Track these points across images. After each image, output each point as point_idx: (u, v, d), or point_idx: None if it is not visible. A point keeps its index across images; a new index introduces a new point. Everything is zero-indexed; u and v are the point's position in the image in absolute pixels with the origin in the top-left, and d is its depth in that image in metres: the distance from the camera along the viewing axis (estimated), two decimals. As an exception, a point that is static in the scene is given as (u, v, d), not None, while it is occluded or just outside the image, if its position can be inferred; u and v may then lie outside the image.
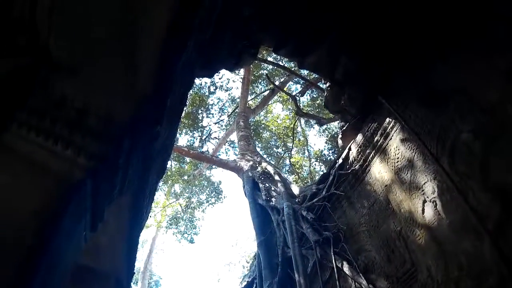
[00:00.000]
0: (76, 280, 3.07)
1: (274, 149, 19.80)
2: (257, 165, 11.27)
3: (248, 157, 12.07)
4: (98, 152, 2.54)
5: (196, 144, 18.06)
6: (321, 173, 18.08)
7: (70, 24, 2.61)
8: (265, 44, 5.90)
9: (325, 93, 6.50)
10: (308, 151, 19.29)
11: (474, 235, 3.59)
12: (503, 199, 3.36)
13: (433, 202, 4.23)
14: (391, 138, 5.20)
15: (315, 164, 18.65)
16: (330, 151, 16.53)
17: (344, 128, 6.47)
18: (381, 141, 5.44)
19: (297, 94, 15.52)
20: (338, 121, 15.16)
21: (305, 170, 19.42)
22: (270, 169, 10.76)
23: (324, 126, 16.84)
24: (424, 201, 4.37)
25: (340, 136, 6.81)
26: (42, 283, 1.95)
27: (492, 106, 3.55)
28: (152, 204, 4.93)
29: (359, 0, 4.80)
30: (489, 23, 3.73)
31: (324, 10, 4.99)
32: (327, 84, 6.33)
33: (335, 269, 5.72)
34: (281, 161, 19.25)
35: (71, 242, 2.43)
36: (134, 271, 4.97)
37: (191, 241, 19.34)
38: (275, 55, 12.64)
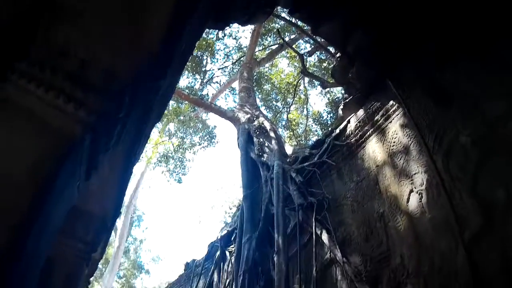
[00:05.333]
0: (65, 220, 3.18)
1: (274, 102, 19.72)
2: (254, 119, 11.27)
3: (247, 109, 12.05)
4: (99, 108, 2.51)
5: (197, 86, 17.91)
6: (317, 133, 18.23)
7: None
8: (281, 5, 5.74)
9: (334, 63, 6.43)
10: (307, 110, 19.26)
11: (452, 238, 3.69)
12: (486, 213, 3.43)
13: (419, 194, 4.32)
14: (391, 121, 5.21)
15: (311, 124, 18.68)
16: (329, 115, 16.52)
17: (347, 100, 6.44)
18: (381, 121, 5.45)
19: (305, 54, 15.24)
20: (342, 88, 15.07)
21: (301, 127, 19.47)
22: (267, 124, 10.76)
23: (327, 89, 16.70)
24: (411, 191, 4.46)
25: (341, 106, 6.78)
26: (35, 243, 2.00)
27: (495, 119, 3.56)
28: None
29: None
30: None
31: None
32: (338, 55, 6.23)
33: (314, 236, 5.89)
34: (278, 115, 19.24)
35: (65, 195, 2.46)
36: (120, 211, 5.13)
37: (179, 181, 19.63)
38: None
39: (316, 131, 18.03)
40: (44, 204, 2.03)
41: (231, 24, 5.53)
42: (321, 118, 17.72)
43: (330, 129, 10.57)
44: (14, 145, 2.08)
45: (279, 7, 12.22)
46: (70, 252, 3.97)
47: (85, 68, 2.46)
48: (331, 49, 11.58)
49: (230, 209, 21.76)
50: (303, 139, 18.19)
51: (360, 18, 5.16)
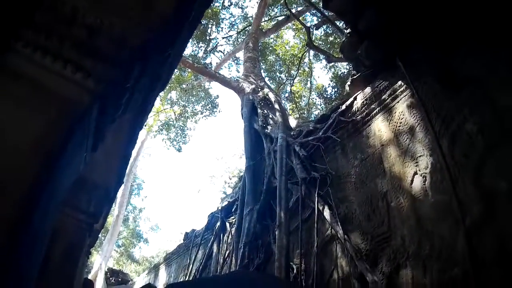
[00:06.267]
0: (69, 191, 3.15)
1: (277, 73, 19.54)
2: (259, 90, 11.15)
3: (252, 80, 11.91)
4: (108, 77, 2.43)
5: (200, 54, 17.67)
6: (320, 107, 18.14)
7: None
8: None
9: (344, 39, 6.28)
10: (310, 83, 19.10)
11: (453, 223, 3.68)
12: (487, 202, 3.41)
13: (423, 177, 4.29)
14: (398, 101, 5.14)
15: (315, 98, 18.56)
16: (333, 90, 16.37)
17: (355, 77, 6.34)
18: (388, 100, 5.38)
19: (312, 26, 14.97)
20: (347, 63, 14.86)
21: (304, 100, 19.37)
22: (272, 96, 10.65)
23: (332, 64, 16.49)
24: (415, 173, 4.43)
25: (348, 83, 6.69)
26: (42, 216, 1.96)
27: (503, 108, 3.50)
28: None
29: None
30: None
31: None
32: (348, 31, 6.08)
33: (316, 211, 5.90)
34: (281, 87, 19.10)
35: (72, 167, 2.42)
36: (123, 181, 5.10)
37: (179, 150, 19.69)
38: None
39: (320, 105, 17.93)
40: (51, 177, 1.99)
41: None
42: (325, 92, 17.57)
43: (334, 104, 10.46)
44: (20, 116, 2.01)
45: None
46: (72, 223, 3.97)
47: (94, 36, 2.37)
48: (339, 24, 11.36)
49: (230, 179, 21.89)
50: (305, 112, 18.12)
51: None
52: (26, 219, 1.87)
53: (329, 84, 17.53)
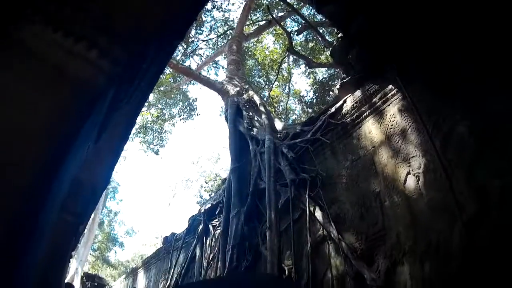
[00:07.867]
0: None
1: (256, 78, 19.56)
2: (244, 92, 11.13)
3: (236, 82, 11.89)
4: (124, 58, 2.29)
5: (179, 57, 17.48)
6: (297, 112, 18.27)
7: None
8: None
9: (335, 43, 6.34)
10: (289, 89, 19.21)
11: (449, 219, 3.76)
12: (481, 200, 3.50)
13: (416, 177, 4.37)
14: (389, 105, 5.22)
15: (294, 103, 18.69)
16: (314, 95, 16.50)
17: (345, 80, 6.39)
18: (379, 103, 5.45)
19: (293, 32, 15.09)
20: (326, 68, 15.06)
21: (281, 105, 19.45)
22: (257, 99, 10.62)
23: (310, 70, 16.66)
24: (408, 173, 4.50)
25: (338, 86, 6.74)
26: (48, 210, 1.80)
27: (495, 112, 3.60)
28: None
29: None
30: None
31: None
32: (339, 35, 6.13)
33: (307, 212, 5.88)
34: (260, 91, 19.11)
35: (78, 159, 2.26)
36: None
37: (156, 153, 19.41)
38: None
39: (298, 110, 18.06)
40: (61, 168, 1.82)
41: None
42: (304, 98, 17.71)
43: (315, 109, 10.52)
44: (28, 94, 1.83)
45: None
46: (60, 224, 3.75)
47: (111, 13, 2.23)
48: (321, 30, 11.48)
49: (206, 183, 21.68)
50: (283, 117, 18.20)
51: (366, 1, 5.05)
52: (30, 214, 1.70)
53: (310, 89, 17.66)
